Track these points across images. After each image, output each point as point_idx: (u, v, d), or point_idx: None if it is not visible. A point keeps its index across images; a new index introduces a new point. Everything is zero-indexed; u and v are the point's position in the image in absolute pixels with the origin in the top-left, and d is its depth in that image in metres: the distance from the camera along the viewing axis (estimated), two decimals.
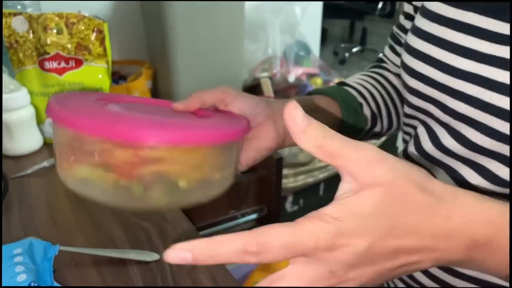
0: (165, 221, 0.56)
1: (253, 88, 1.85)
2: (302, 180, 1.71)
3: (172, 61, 1.74)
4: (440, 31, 0.40)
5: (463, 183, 0.41)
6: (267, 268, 1.49)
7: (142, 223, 0.56)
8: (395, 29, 0.57)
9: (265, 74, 1.81)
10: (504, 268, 0.28)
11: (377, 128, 0.56)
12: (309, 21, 2.04)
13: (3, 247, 0.44)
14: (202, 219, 0.83)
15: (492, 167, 0.38)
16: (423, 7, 0.44)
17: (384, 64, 0.60)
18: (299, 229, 0.25)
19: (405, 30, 0.54)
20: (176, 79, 1.76)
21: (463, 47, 0.38)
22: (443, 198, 0.26)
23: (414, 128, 0.47)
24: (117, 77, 1.87)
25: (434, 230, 0.26)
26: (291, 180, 1.69)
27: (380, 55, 0.61)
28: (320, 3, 2.17)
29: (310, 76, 1.88)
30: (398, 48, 0.57)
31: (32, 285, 0.39)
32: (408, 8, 0.53)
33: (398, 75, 0.58)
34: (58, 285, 0.42)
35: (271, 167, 0.82)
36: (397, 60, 0.57)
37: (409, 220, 0.26)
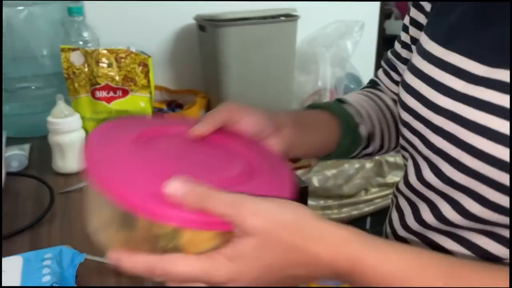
0: None
1: None
2: (346, 212, 1.69)
3: (224, 91, 1.83)
4: (427, 68, 0.42)
5: (441, 218, 0.42)
6: None
7: None
8: (389, 55, 0.58)
9: None
10: None
11: (369, 149, 0.57)
12: (361, 55, 2.06)
13: (38, 252, 0.51)
14: None
15: (464, 202, 0.39)
16: (418, 44, 0.47)
17: (378, 86, 0.61)
18: (197, 264, 0.32)
19: (400, 58, 0.56)
20: None
21: (445, 85, 0.40)
22: (314, 239, 0.33)
23: (406, 160, 0.49)
24: (174, 105, 1.99)
25: (305, 262, 0.33)
26: (335, 212, 1.68)
27: (374, 78, 0.63)
28: (374, 38, 2.19)
29: None
30: (393, 74, 0.58)
31: (53, 286, 0.45)
32: (405, 37, 0.54)
33: (392, 99, 0.59)
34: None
35: (296, 196, 0.84)
36: (391, 85, 0.59)
37: (283, 257, 0.32)
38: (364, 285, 0.34)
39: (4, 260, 0.48)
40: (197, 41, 1.93)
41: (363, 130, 0.55)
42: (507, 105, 0.35)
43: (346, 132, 0.53)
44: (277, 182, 0.39)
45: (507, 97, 0.35)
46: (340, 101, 0.58)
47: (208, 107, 1.98)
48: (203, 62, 1.97)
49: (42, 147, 0.88)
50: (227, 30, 1.68)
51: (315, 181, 1.67)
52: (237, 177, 0.37)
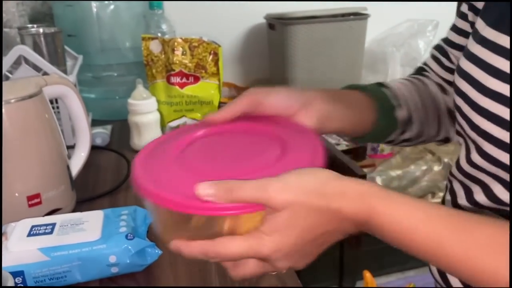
0: None
1: None
2: None
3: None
4: (479, 51, 0.43)
5: (494, 199, 0.43)
6: None
7: None
8: (441, 42, 0.59)
9: None
10: (381, 238, 0.37)
11: (407, 135, 0.57)
12: None
13: (116, 209, 0.57)
14: None
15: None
16: (474, 29, 0.47)
17: (425, 73, 0.61)
18: (243, 244, 0.36)
19: (455, 46, 0.56)
20: None
21: (494, 67, 0.41)
22: (335, 196, 0.36)
23: (460, 145, 0.49)
24: None
25: (332, 219, 0.37)
26: None
27: (421, 65, 0.62)
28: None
29: None
30: (443, 59, 0.58)
31: (128, 236, 0.51)
32: (462, 24, 0.54)
33: (438, 84, 0.59)
34: (151, 242, 0.53)
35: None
36: (440, 71, 0.59)
37: (313, 220, 0.37)
38: (377, 234, 0.37)
39: (87, 213, 0.55)
40: (267, 40, 1.98)
41: (400, 114, 0.55)
42: None
43: (381, 114, 0.53)
44: (308, 155, 0.41)
45: None
46: (379, 84, 0.57)
47: None
48: (271, 59, 2.02)
49: (122, 128, 0.97)
50: (295, 28, 1.71)
51: (379, 181, 1.65)
52: (269, 158, 0.41)
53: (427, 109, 0.58)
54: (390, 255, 1.75)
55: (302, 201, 0.36)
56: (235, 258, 0.38)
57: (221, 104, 0.89)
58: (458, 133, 0.50)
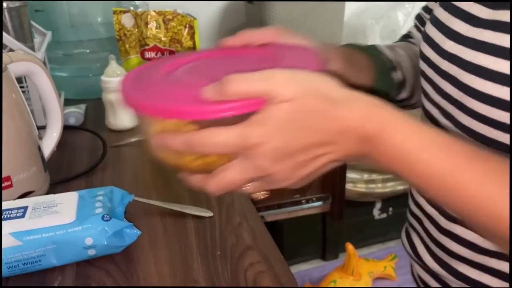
0: None
1: None
2: (391, 187, 1.67)
3: None
4: (443, 16, 0.44)
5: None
6: (346, 269, 1.49)
7: None
8: (421, 10, 0.60)
9: None
10: (385, 160, 0.34)
11: (402, 95, 0.58)
12: None
13: (91, 189, 0.55)
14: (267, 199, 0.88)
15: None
16: None
17: (410, 39, 0.62)
18: (232, 131, 0.32)
19: (430, 12, 0.56)
20: None
21: (452, 30, 0.42)
22: (343, 103, 0.33)
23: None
24: None
25: (333, 128, 0.33)
26: (379, 186, 1.66)
27: (407, 32, 0.64)
28: None
29: None
30: (422, 28, 0.59)
31: (105, 217, 0.49)
32: None
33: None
34: (129, 223, 0.51)
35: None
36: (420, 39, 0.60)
37: (313, 123, 0.32)
38: (381, 153, 0.33)
39: (61, 195, 0.53)
40: (244, 14, 1.94)
41: (396, 76, 0.56)
42: (507, 45, 0.35)
43: (379, 75, 0.54)
44: (304, 59, 0.39)
45: (507, 36, 0.36)
46: (375, 47, 0.58)
47: None
48: None
49: (96, 107, 0.93)
50: (274, 3, 1.68)
51: None
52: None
53: (417, 72, 0.58)
54: (371, 228, 1.78)
55: (307, 98, 0.32)
56: (220, 148, 0.33)
57: None
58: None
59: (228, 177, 0.35)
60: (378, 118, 0.33)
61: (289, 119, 0.32)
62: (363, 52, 0.54)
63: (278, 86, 0.32)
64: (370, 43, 2.01)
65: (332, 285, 1.45)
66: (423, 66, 0.46)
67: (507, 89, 0.35)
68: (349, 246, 1.42)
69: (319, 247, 1.71)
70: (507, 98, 0.35)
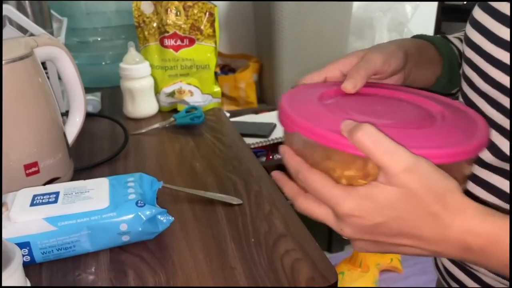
0: (251, 176, 0.63)
1: None
2: None
3: (277, 56, 1.83)
4: (495, 3, 0.43)
5: (498, 154, 0.43)
6: (353, 261, 1.50)
7: (231, 176, 0.63)
8: None
9: None
10: (501, 269, 0.34)
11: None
12: (421, 20, 1.98)
13: (120, 176, 0.54)
14: None
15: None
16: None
17: None
18: (338, 189, 0.34)
19: None
20: (279, 73, 1.85)
21: (507, 17, 0.40)
22: (451, 210, 0.33)
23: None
24: (227, 69, 2.02)
25: (433, 234, 0.33)
26: None
27: None
28: (435, 3, 2.10)
29: None
30: None
31: (139, 203, 0.49)
32: None
33: None
34: (163, 209, 0.50)
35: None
36: None
37: (415, 219, 0.33)
38: (490, 262, 0.34)
39: (91, 180, 0.52)
40: (252, 6, 1.92)
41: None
42: None
43: (446, 71, 0.53)
44: (465, 128, 0.37)
45: None
46: (446, 38, 0.56)
47: (261, 72, 2.00)
48: (257, 26, 1.97)
49: (112, 95, 0.92)
50: None
51: None
52: (419, 122, 0.39)
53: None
54: None
55: (420, 193, 0.32)
56: (315, 194, 0.36)
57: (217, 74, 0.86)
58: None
59: (314, 212, 0.37)
60: (483, 231, 0.33)
61: (389, 206, 0.33)
62: (434, 46, 0.53)
63: (398, 169, 0.32)
64: (377, 35, 1.99)
65: (340, 277, 1.45)
66: (470, 53, 0.45)
67: None
68: None
69: (325, 239, 1.71)
70: None
